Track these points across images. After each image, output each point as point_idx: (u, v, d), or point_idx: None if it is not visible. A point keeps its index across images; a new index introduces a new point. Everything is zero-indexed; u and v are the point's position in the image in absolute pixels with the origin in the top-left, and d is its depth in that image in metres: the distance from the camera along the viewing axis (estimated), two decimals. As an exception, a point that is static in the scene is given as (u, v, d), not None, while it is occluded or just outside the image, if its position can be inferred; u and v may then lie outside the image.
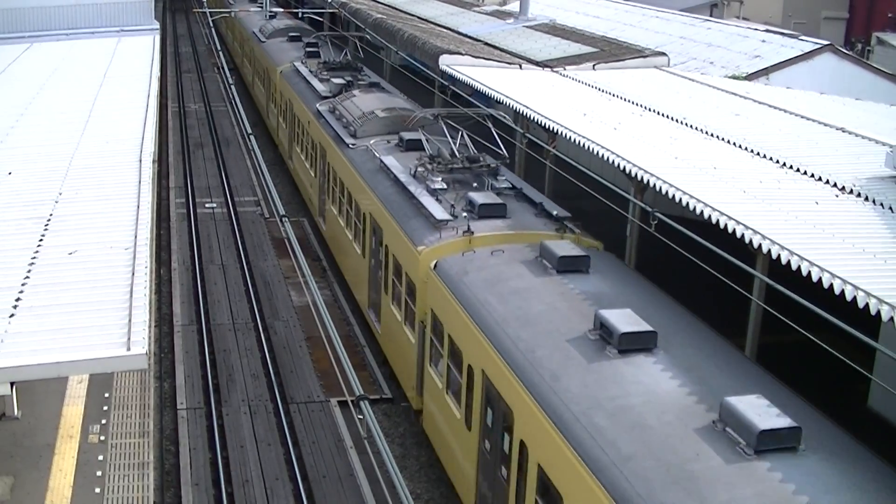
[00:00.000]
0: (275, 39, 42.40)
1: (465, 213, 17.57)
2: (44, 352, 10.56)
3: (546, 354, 12.60)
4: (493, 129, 20.57)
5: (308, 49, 37.11)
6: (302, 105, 30.53)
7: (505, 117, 20.84)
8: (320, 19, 51.64)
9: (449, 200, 18.28)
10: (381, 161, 21.30)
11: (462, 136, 20.77)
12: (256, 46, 44.07)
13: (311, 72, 32.80)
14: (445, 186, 18.98)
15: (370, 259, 20.89)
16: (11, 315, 11.38)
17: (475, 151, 20.43)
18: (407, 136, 22.61)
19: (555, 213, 17.60)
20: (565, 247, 15.18)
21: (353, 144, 23.72)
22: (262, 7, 51.94)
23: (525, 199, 18.77)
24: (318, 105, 28.36)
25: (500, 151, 20.31)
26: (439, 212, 17.62)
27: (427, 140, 21.40)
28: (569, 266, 14.78)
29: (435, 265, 16.29)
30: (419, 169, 19.90)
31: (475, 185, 19.24)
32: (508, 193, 18.88)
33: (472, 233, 16.77)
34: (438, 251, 16.64)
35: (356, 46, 35.69)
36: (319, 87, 30.40)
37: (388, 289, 19.20)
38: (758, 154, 18.97)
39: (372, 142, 23.16)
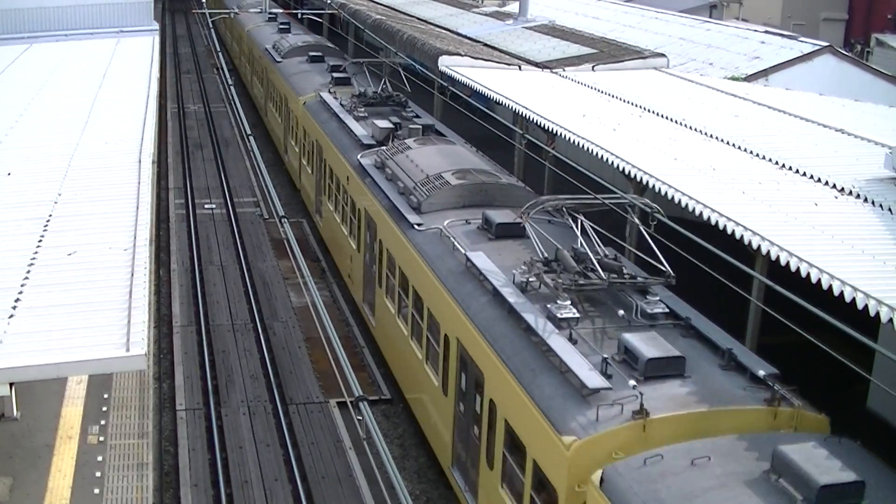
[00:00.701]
0: (292, 59, 36.18)
1: (621, 368, 11.59)
2: (43, 352, 10.59)
3: None
4: (641, 228, 14.58)
5: (335, 75, 31.04)
6: (336, 152, 24.27)
7: (658, 210, 14.29)
8: (319, 20, 51.57)
9: (590, 342, 12.34)
10: (469, 259, 15.15)
11: (581, 224, 14.51)
12: (270, 67, 37.90)
13: (343, 107, 26.69)
14: (578, 314, 12.81)
15: (457, 402, 14.96)
16: (11, 315, 11.40)
17: (606, 252, 14.25)
18: (497, 217, 16.31)
19: (761, 372, 11.59)
20: (820, 461, 9.26)
21: (418, 225, 17.50)
22: (273, 17, 47.95)
23: (698, 336, 12.63)
24: (359, 157, 22.15)
25: (662, 267, 13.66)
26: (587, 372, 11.45)
27: (534, 230, 14.83)
28: (835, 500, 9.04)
29: (601, 478, 10.26)
30: (530, 279, 13.82)
31: (621, 312, 12.92)
32: (667, 324, 12.76)
33: (648, 414, 10.78)
34: (599, 447, 10.72)
35: (398, 74, 29.27)
36: (358, 130, 24.10)
37: (495, 463, 13.22)
38: (757, 155, 18.99)
39: (446, 222, 16.99)
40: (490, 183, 18.50)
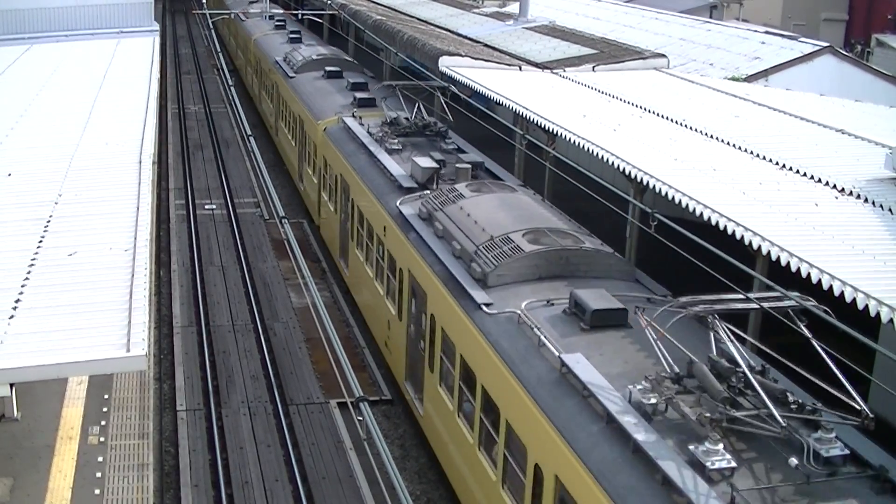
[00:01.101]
0: (307, 75, 32.82)
1: None
2: (43, 353, 10.58)
3: None
4: (815, 343, 10.63)
5: (358, 95, 28.09)
6: (368, 195, 20.82)
7: (828, 311, 10.73)
8: (320, 21, 51.57)
9: None
10: (565, 365, 11.64)
11: (716, 325, 10.86)
12: (282, 83, 34.55)
13: (371, 136, 23.40)
14: (734, 462, 9.43)
15: None
16: (11, 316, 11.39)
17: (751, 362, 10.77)
18: (592, 301, 12.72)
19: None
20: None
21: (487, 305, 13.97)
22: (282, 24, 45.27)
23: None
24: (398, 203, 18.94)
25: (857, 405, 9.79)
26: None
27: (653, 331, 11.09)
28: None
29: None
30: (657, 403, 10.41)
31: (792, 460, 9.24)
32: (853, 476, 9.40)
33: None
34: None
35: (435, 98, 25.84)
36: (395, 169, 20.75)
37: None
38: (757, 156, 18.99)
39: (524, 304, 13.49)
40: (573, 249, 14.83)
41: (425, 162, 20.11)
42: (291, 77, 33.28)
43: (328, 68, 32.62)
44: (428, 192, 18.97)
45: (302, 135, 30.04)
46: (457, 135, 23.87)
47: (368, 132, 23.69)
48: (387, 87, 26.90)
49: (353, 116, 25.48)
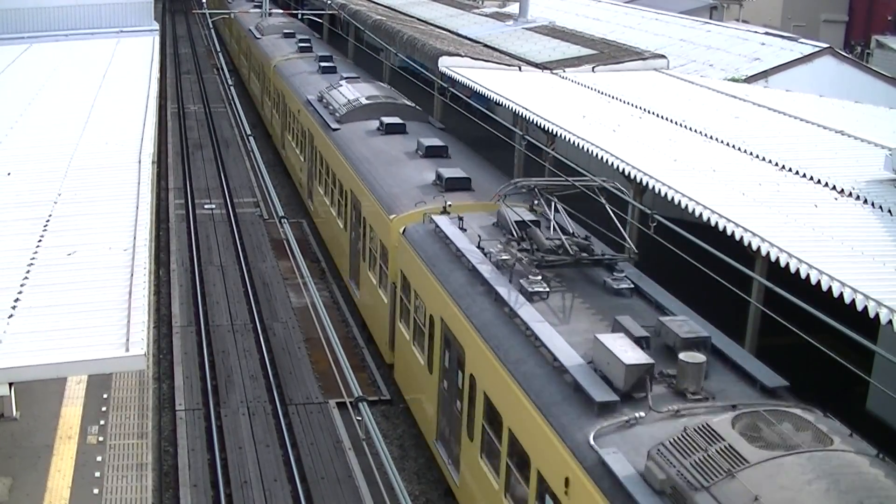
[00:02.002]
0: (356, 127, 24.72)
1: None
2: (42, 352, 10.59)
3: None
4: None
5: (444, 172, 19.46)
6: (517, 393, 11.90)
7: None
8: (320, 21, 51.57)
9: None
10: None
11: None
12: (321, 135, 26.11)
13: (490, 259, 14.71)
14: None
15: None
16: (10, 316, 11.40)
17: None
18: None
19: None
20: None
21: None
22: (307, 45, 37.99)
23: None
24: (592, 439, 10.11)
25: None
26: None
27: None
28: None
29: None
30: None
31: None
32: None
33: None
34: None
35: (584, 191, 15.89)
36: (569, 358, 11.51)
37: None
38: (757, 157, 19.01)
39: None
40: None
41: (629, 353, 10.80)
42: (335, 129, 25.10)
43: (386, 120, 24.19)
44: (642, 415, 10.25)
45: (360, 222, 21.32)
46: (630, 265, 14.86)
47: (480, 246, 15.17)
48: (518, 186, 16.09)
49: (446, 212, 17.14)
